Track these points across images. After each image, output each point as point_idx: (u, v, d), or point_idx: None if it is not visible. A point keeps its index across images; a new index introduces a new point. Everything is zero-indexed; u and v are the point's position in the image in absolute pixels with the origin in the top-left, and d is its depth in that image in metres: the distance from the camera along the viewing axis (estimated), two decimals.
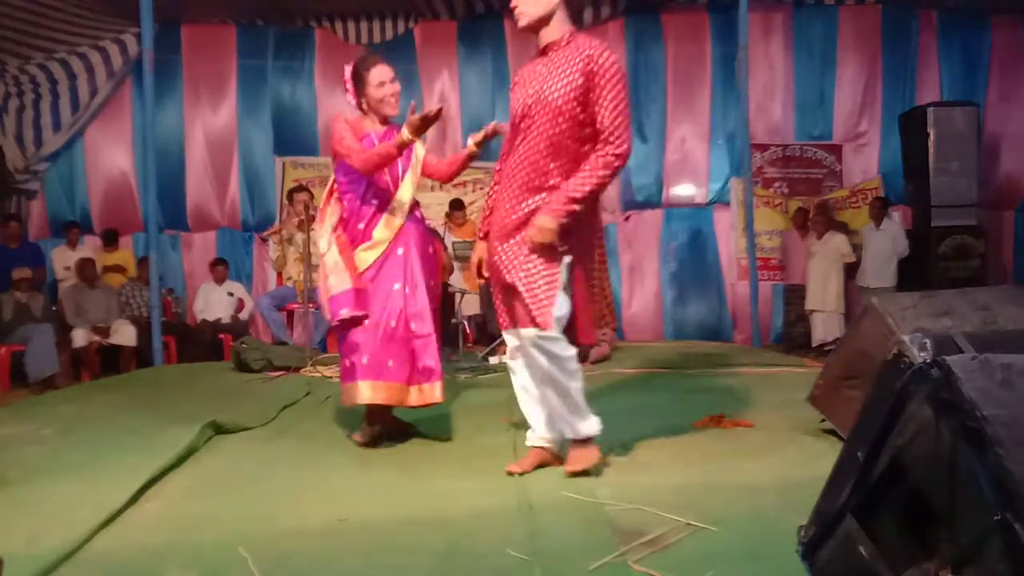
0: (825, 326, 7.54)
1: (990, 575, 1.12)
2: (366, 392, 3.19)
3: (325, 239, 3.46)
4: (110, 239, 7.89)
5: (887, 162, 8.28)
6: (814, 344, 7.54)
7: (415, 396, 3.27)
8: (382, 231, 3.31)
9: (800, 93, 8.33)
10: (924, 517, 1.31)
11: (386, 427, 3.42)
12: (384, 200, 3.33)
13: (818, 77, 8.29)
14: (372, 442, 3.32)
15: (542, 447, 2.86)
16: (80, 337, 6.75)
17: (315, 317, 6.43)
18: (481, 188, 8.38)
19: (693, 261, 8.39)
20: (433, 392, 3.28)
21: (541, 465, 2.82)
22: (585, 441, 2.76)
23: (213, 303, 7.59)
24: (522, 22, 2.89)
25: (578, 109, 2.65)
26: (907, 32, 8.23)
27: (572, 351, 2.73)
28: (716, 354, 6.22)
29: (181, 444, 3.18)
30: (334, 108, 8.26)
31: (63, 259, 7.70)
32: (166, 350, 6.59)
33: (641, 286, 8.39)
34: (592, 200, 2.72)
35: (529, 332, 2.69)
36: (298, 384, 4.92)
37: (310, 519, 2.36)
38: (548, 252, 2.67)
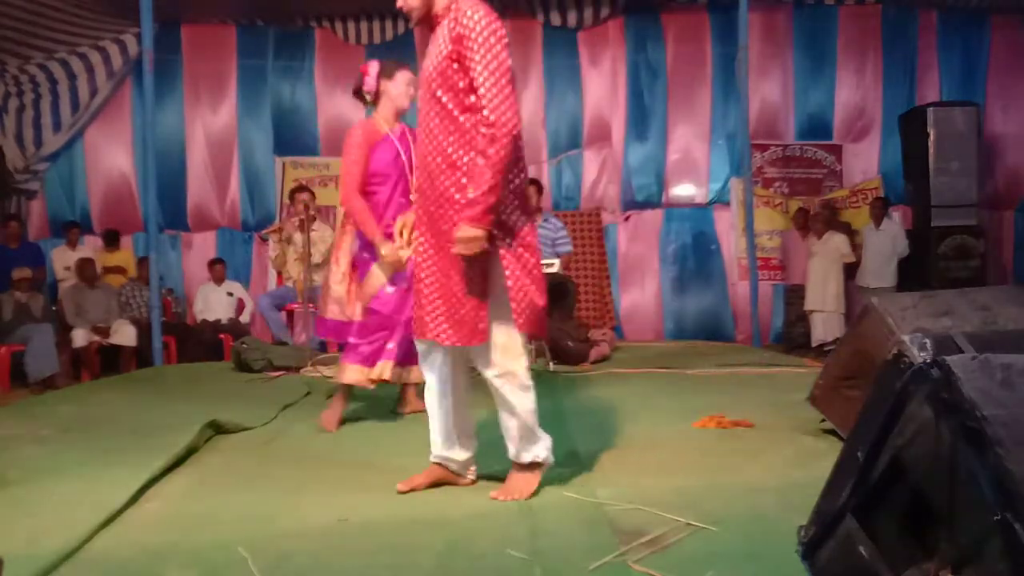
0: (825, 326, 7.54)
1: (990, 575, 1.12)
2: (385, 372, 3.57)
3: (340, 272, 3.69)
4: (111, 240, 7.89)
5: (887, 162, 8.27)
6: (814, 344, 7.53)
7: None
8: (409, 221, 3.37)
9: (800, 93, 8.33)
10: (924, 517, 1.31)
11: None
12: (403, 195, 3.52)
13: (818, 77, 8.28)
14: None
15: (439, 463, 2.64)
16: (80, 337, 6.75)
17: (315, 317, 6.43)
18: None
19: (693, 261, 8.39)
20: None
21: (435, 484, 2.62)
22: (529, 466, 2.54)
23: (213, 303, 7.59)
24: (412, 20, 2.75)
25: (455, 78, 2.46)
26: (907, 32, 8.22)
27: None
28: (716, 354, 6.22)
29: (181, 444, 3.18)
30: (334, 108, 8.27)
31: (63, 259, 7.70)
32: (166, 350, 6.59)
33: (641, 286, 8.39)
34: (503, 178, 2.37)
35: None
36: (298, 384, 4.92)
37: (310, 519, 2.36)
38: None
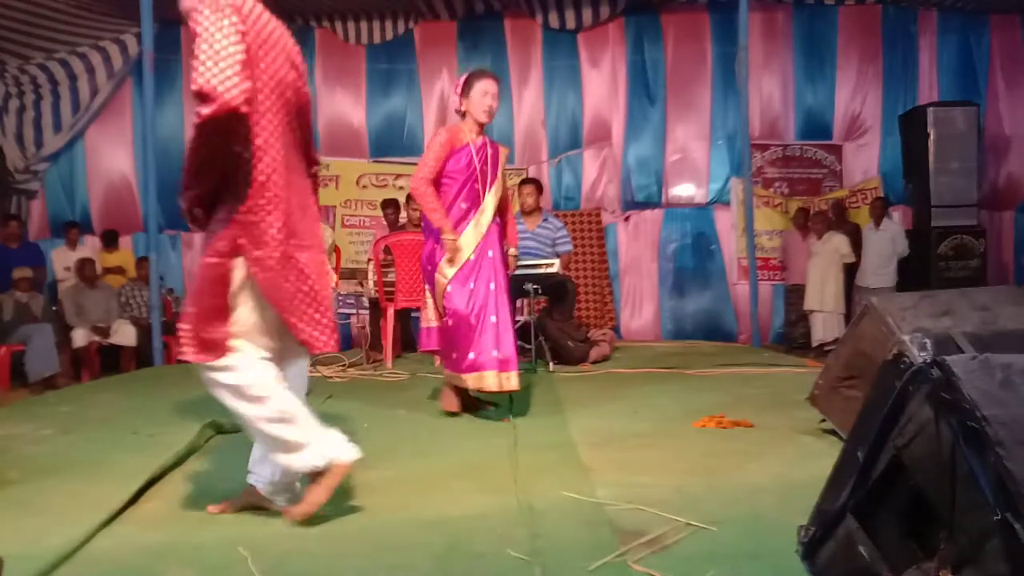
0: (825, 326, 7.54)
1: (990, 575, 1.12)
2: (469, 382, 3.74)
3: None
4: (110, 240, 7.89)
5: (887, 162, 8.27)
6: (814, 344, 7.54)
7: (496, 382, 3.72)
8: (469, 236, 3.77)
9: (800, 93, 8.33)
10: (924, 517, 1.31)
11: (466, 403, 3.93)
12: (473, 204, 3.82)
13: (818, 77, 8.28)
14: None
15: (251, 484, 2.43)
16: (80, 337, 6.75)
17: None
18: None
19: (693, 261, 8.39)
20: (510, 381, 3.74)
21: (246, 507, 2.40)
22: (318, 475, 2.27)
23: None
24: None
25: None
26: (907, 32, 8.22)
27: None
28: (716, 354, 6.23)
29: (181, 444, 3.18)
30: (334, 108, 8.28)
31: (63, 259, 7.70)
32: (166, 350, 6.59)
33: (641, 286, 8.39)
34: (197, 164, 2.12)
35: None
36: None
37: (310, 519, 2.36)
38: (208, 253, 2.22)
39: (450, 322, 3.78)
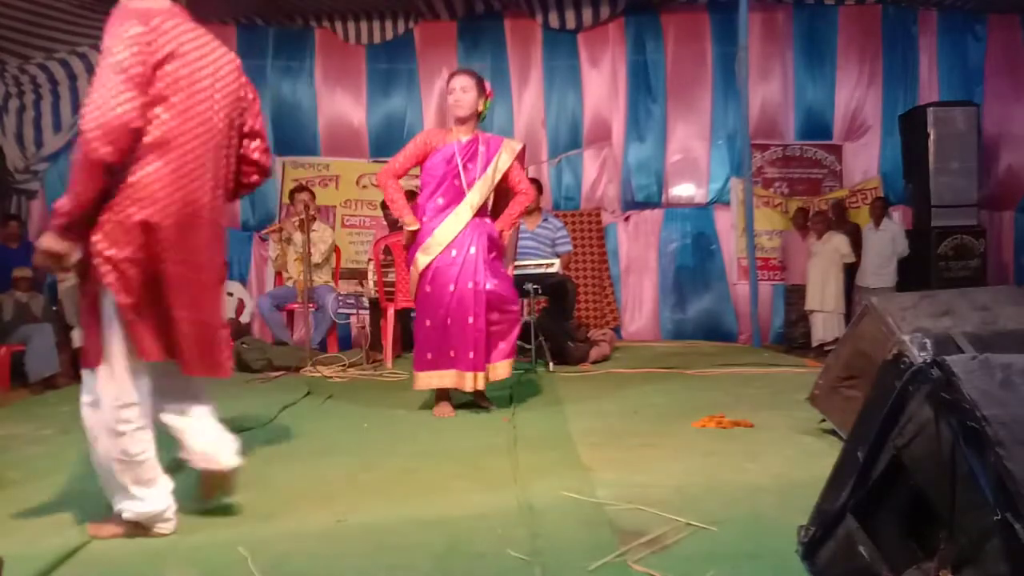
0: (825, 326, 7.54)
1: (990, 575, 1.12)
2: (431, 380, 3.83)
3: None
4: None
5: (887, 162, 8.27)
6: (814, 344, 7.53)
7: (470, 382, 3.78)
8: (444, 231, 3.79)
9: (800, 93, 8.32)
10: (924, 517, 1.31)
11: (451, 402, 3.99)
12: (452, 200, 3.84)
13: (818, 77, 8.27)
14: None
15: None
16: (80, 337, 6.74)
17: (315, 317, 6.43)
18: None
19: (693, 261, 8.39)
20: (496, 371, 3.86)
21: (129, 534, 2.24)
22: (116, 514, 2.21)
23: None
24: None
25: None
26: (907, 32, 8.22)
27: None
28: (716, 354, 6.23)
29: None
30: (334, 108, 8.28)
31: None
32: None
33: (641, 286, 8.38)
34: (85, 206, 2.07)
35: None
36: (298, 384, 4.92)
37: (310, 519, 2.36)
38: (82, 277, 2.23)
39: (427, 322, 3.82)
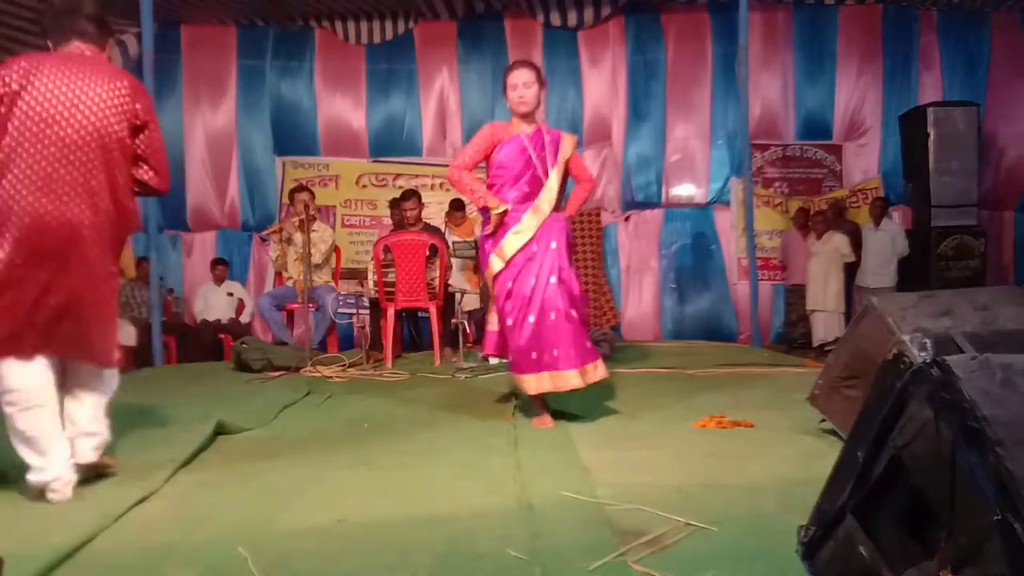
0: (826, 326, 7.55)
1: (990, 575, 1.12)
2: (532, 383, 3.57)
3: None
4: None
5: (887, 162, 8.28)
6: (815, 344, 7.54)
7: (576, 379, 3.56)
8: (528, 222, 3.65)
9: (800, 93, 8.33)
10: (924, 517, 1.31)
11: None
12: (532, 190, 3.70)
13: (818, 77, 8.29)
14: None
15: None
16: None
17: (315, 317, 6.43)
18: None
19: (693, 261, 8.39)
20: (596, 371, 3.61)
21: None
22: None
23: (213, 303, 7.59)
24: None
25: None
26: (907, 32, 8.23)
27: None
28: (716, 354, 6.22)
29: (182, 444, 3.18)
30: (334, 108, 8.28)
31: None
32: (166, 350, 6.59)
33: (641, 286, 8.39)
34: None
35: None
36: (298, 384, 4.92)
37: (310, 519, 2.36)
38: None
39: (509, 320, 3.61)
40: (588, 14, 8.12)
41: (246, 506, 2.50)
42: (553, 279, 3.58)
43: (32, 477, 2.54)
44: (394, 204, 7.10)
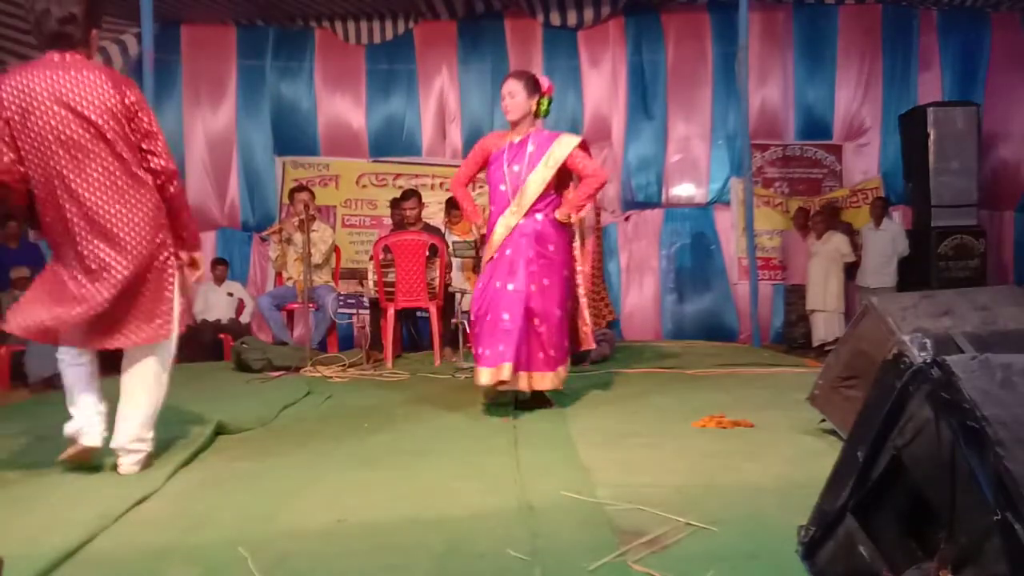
0: (826, 326, 7.55)
1: (990, 575, 1.12)
2: (482, 377, 3.79)
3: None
4: None
5: (887, 162, 8.27)
6: (815, 344, 7.54)
7: (523, 382, 3.82)
8: (495, 237, 3.92)
9: (800, 93, 8.33)
10: (924, 517, 1.31)
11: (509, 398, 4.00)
12: (499, 207, 3.95)
13: (818, 77, 8.28)
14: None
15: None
16: None
17: (315, 317, 6.43)
18: (481, 187, 8.38)
19: (693, 261, 8.39)
20: (538, 381, 3.87)
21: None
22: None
23: (213, 303, 7.59)
24: None
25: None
26: (907, 31, 8.22)
27: None
28: (716, 354, 6.23)
29: (183, 444, 3.18)
30: (334, 108, 8.28)
31: None
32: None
33: (641, 286, 8.39)
34: None
35: None
36: (298, 384, 4.92)
37: (310, 519, 2.36)
38: None
39: (472, 317, 3.97)
40: (588, 14, 8.12)
41: (246, 506, 2.50)
42: (498, 284, 3.84)
43: (67, 425, 2.87)
44: (394, 204, 7.10)
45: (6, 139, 2.70)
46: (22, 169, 2.72)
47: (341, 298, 6.25)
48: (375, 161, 8.39)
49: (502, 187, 3.95)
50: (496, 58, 8.24)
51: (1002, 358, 1.24)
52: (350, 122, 8.31)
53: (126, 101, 2.76)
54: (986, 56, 8.23)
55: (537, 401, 4.00)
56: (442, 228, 7.33)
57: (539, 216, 3.91)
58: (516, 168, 3.91)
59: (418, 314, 6.84)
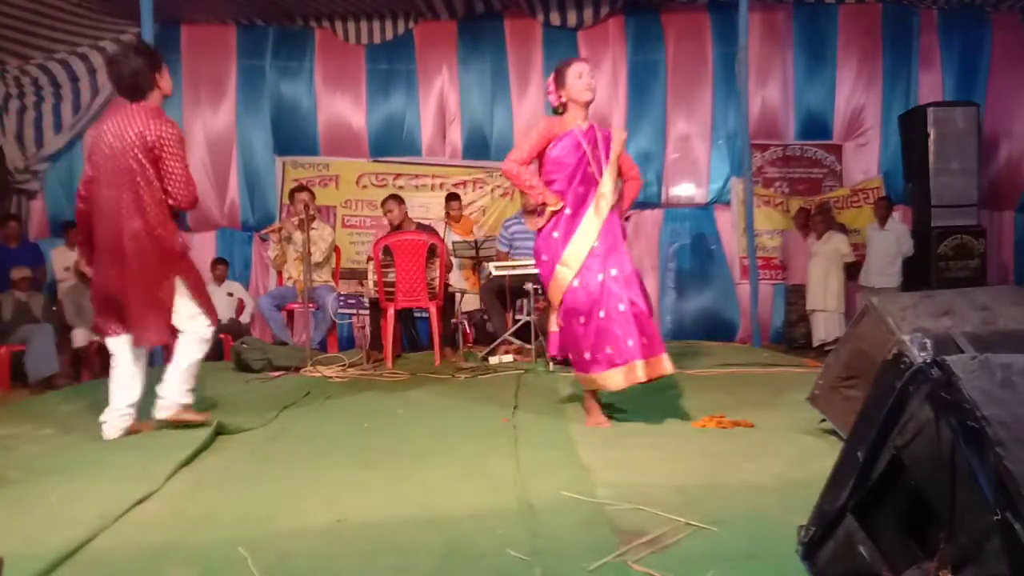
0: (826, 326, 7.55)
1: (990, 575, 1.12)
2: (619, 378, 3.50)
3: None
4: None
5: (887, 162, 8.27)
6: (815, 344, 7.54)
7: (668, 364, 3.56)
8: (589, 223, 3.60)
9: (800, 93, 8.33)
10: (924, 517, 1.31)
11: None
12: (589, 187, 3.65)
13: (818, 77, 8.28)
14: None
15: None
16: (80, 337, 6.75)
17: (315, 317, 6.43)
18: (481, 187, 8.39)
19: (693, 261, 8.39)
20: (662, 364, 3.55)
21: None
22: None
23: (213, 303, 7.58)
24: None
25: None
26: (907, 31, 8.22)
27: None
28: (716, 354, 6.22)
29: (183, 444, 3.18)
30: (334, 108, 8.28)
31: (63, 259, 7.69)
32: (166, 350, 6.57)
33: None
34: None
35: None
36: (298, 384, 4.92)
37: (310, 519, 2.36)
38: None
39: (582, 319, 3.54)
40: (588, 14, 8.12)
41: (246, 506, 2.50)
42: (614, 272, 3.54)
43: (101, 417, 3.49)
44: (385, 202, 7.12)
45: (90, 175, 3.58)
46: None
47: (341, 298, 6.25)
48: (375, 161, 8.39)
49: (589, 168, 3.63)
50: (496, 58, 8.24)
51: (1002, 358, 1.24)
52: (350, 122, 8.31)
53: (153, 145, 3.44)
54: (986, 56, 8.22)
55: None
56: (442, 227, 7.33)
57: (613, 211, 3.73)
58: (597, 152, 3.68)
59: (414, 314, 6.84)
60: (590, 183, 3.64)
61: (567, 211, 3.62)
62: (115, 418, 3.49)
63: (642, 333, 3.50)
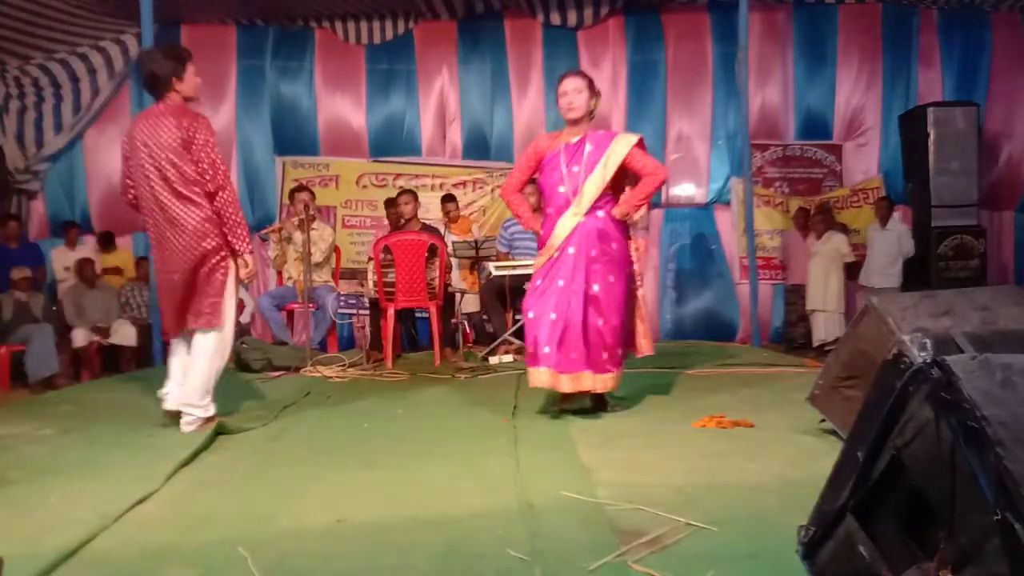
0: (826, 326, 7.54)
1: (990, 575, 1.12)
2: (533, 377, 3.68)
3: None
4: (107, 242, 7.89)
5: (887, 162, 8.27)
6: (815, 344, 7.54)
7: (589, 382, 3.68)
8: (559, 229, 3.74)
9: (800, 93, 8.33)
10: (924, 517, 1.31)
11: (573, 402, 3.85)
12: (558, 209, 3.79)
13: (818, 77, 8.28)
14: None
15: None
16: (80, 337, 6.75)
17: (315, 317, 6.43)
18: (481, 187, 8.38)
19: (693, 261, 8.39)
20: (601, 382, 3.69)
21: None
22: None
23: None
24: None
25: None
26: (907, 31, 8.22)
27: None
28: (716, 354, 6.22)
29: (183, 444, 3.18)
30: (333, 108, 8.28)
31: (62, 259, 7.69)
32: (166, 350, 6.58)
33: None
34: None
35: None
36: (298, 384, 4.92)
37: (310, 519, 2.36)
38: None
39: (530, 315, 3.75)
40: (588, 14, 8.12)
41: (246, 506, 2.50)
42: (560, 282, 3.68)
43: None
44: (389, 204, 7.10)
45: (128, 173, 3.76)
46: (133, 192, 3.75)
47: (341, 298, 6.26)
48: (375, 161, 8.39)
49: (561, 188, 3.80)
50: (496, 58, 8.24)
51: (1002, 358, 1.24)
52: (350, 122, 8.31)
53: (185, 131, 3.51)
54: (987, 56, 8.22)
55: (597, 403, 3.86)
56: (442, 228, 7.33)
57: (600, 213, 3.78)
58: (576, 169, 3.78)
59: (415, 314, 6.84)
60: (560, 202, 3.80)
61: (540, 232, 3.90)
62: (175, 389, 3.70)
63: (569, 348, 3.63)
